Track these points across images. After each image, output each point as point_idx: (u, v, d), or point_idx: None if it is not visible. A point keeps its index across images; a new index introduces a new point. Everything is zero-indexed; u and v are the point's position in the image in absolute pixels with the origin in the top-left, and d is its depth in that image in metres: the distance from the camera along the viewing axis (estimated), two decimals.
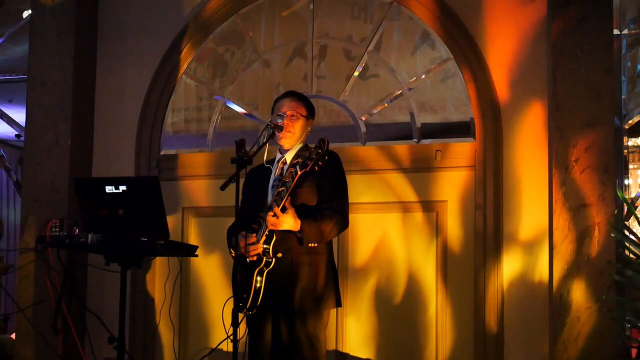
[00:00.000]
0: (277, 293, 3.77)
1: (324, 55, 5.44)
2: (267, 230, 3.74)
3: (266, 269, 3.76)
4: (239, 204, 3.74)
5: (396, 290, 5.06)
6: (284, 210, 3.69)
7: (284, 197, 3.67)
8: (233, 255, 3.84)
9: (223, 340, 4.00)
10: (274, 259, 3.75)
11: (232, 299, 3.87)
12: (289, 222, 3.70)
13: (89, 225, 4.10)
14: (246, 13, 5.58)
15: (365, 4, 5.38)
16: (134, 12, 5.76)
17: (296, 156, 3.85)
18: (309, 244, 3.78)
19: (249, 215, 3.84)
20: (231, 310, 3.68)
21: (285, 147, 3.98)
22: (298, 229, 3.73)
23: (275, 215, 3.68)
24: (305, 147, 3.94)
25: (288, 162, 3.93)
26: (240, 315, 3.71)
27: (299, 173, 3.62)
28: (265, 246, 3.75)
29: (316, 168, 3.61)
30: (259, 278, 3.75)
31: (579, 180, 4.45)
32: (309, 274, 3.81)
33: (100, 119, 5.72)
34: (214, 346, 5.00)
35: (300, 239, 3.75)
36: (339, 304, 3.94)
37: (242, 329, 3.73)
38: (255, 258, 3.77)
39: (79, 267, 5.26)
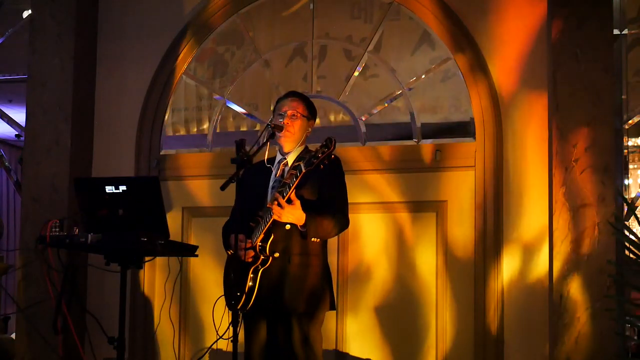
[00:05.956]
0: (273, 293, 3.77)
1: (324, 55, 5.44)
2: (266, 227, 3.74)
3: (261, 267, 3.76)
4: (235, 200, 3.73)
5: (396, 290, 5.05)
6: (289, 202, 3.68)
7: (289, 189, 3.67)
8: (230, 253, 3.84)
9: (216, 341, 4.01)
10: (270, 258, 3.75)
11: (222, 298, 3.89)
12: (294, 213, 3.69)
13: (89, 225, 4.10)
14: (246, 13, 5.58)
15: (365, 4, 5.38)
16: (134, 12, 5.76)
17: (298, 159, 3.88)
18: (312, 239, 3.78)
19: (245, 213, 3.83)
20: (221, 309, 3.68)
21: (285, 148, 3.97)
22: (303, 222, 3.72)
23: (280, 205, 3.67)
24: (306, 150, 3.95)
25: (289, 164, 3.93)
26: (231, 313, 3.71)
27: (304, 171, 3.61)
28: (261, 243, 3.75)
29: (321, 166, 3.59)
30: (252, 276, 3.75)
31: (579, 180, 4.45)
32: (306, 275, 3.80)
33: (100, 119, 5.73)
34: (215, 346, 5.00)
35: (304, 232, 3.75)
36: (333, 307, 3.94)
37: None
38: (251, 259, 3.78)
39: (79, 267, 5.26)
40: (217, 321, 3.94)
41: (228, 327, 3.76)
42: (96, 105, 5.74)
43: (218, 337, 3.85)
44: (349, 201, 3.99)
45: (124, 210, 4.02)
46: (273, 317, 3.84)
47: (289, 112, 3.93)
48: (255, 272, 3.76)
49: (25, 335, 5.33)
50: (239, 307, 3.73)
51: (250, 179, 3.86)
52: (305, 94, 4.18)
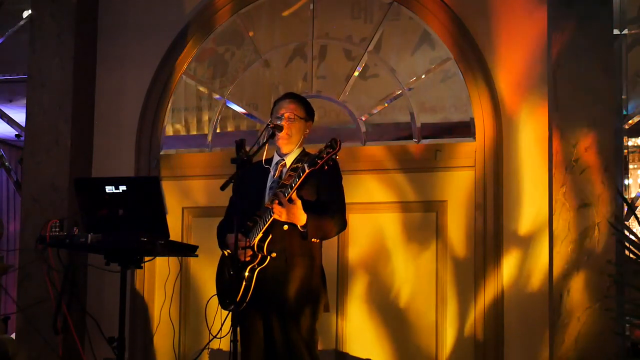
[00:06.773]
0: (269, 293, 3.77)
1: (324, 55, 5.44)
2: (265, 227, 3.74)
3: (258, 267, 3.75)
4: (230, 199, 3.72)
5: (396, 290, 5.06)
6: (290, 202, 3.67)
7: (290, 189, 3.66)
8: (227, 253, 3.84)
9: (210, 341, 4.01)
10: (268, 257, 3.75)
11: (216, 297, 3.89)
12: (295, 213, 3.68)
13: (89, 225, 4.10)
14: (246, 13, 5.58)
15: (365, 4, 5.38)
16: (134, 12, 5.77)
17: (296, 160, 3.89)
18: (312, 239, 3.78)
19: (242, 213, 3.83)
20: (216, 308, 3.68)
21: (284, 149, 3.97)
22: (304, 222, 3.71)
23: (281, 204, 3.66)
24: (304, 152, 3.95)
25: (288, 165, 3.93)
26: (226, 312, 3.71)
27: (307, 171, 3.60)
28: (259, 243, 3.75)
29: (325, 167, 3.58)
30: (248, 275, 3.74)
31: (579, 180, 4.45)
32: (302, 276, 3.80)
33: (100, 119, 5.73)
34: (214, 346, 5.00)
35: (304, 233, 3.74)
36: (327, 308, 3.94)
37: (226, 326, 3.71)
38: (249, 258, 3.77)
39: (79, 267, 5.26)
40: (218, 321, 3.94)
41: (221, 327, 3.77)
42: (96, 105, 5.74)
43: (211, 337, 3.85)
44: (348, 201, 4.00)
45: (124, 210, 4.03)
46: (269, 317, 3.84)
47: (287, 115, 3.92)
48: (252, 272, 3.75)
49: (25, 335, 5.33)
50: (233, 306, 3.73)
51: (247, 179, 3.85)
52: (305, 94, 4.18)
